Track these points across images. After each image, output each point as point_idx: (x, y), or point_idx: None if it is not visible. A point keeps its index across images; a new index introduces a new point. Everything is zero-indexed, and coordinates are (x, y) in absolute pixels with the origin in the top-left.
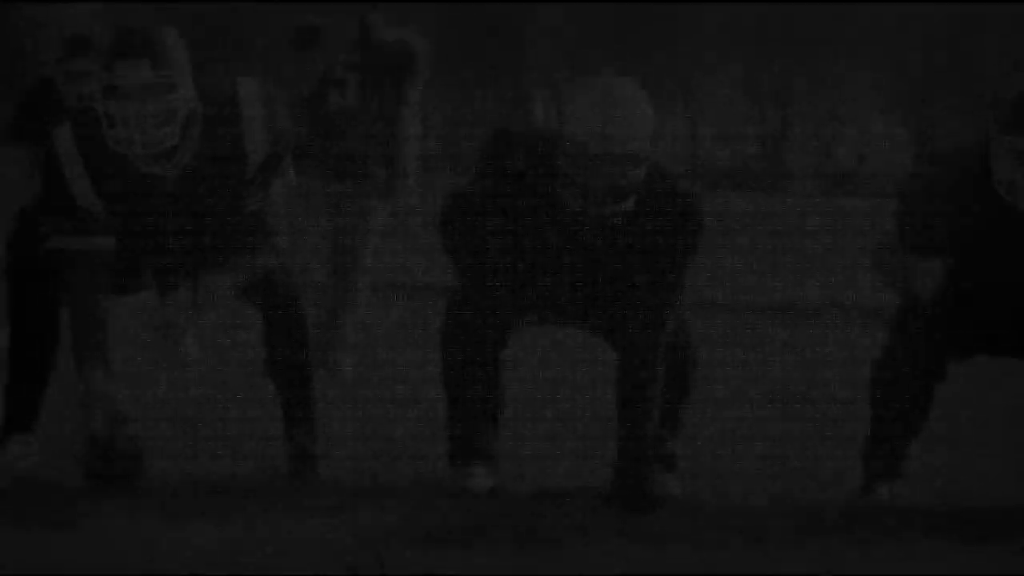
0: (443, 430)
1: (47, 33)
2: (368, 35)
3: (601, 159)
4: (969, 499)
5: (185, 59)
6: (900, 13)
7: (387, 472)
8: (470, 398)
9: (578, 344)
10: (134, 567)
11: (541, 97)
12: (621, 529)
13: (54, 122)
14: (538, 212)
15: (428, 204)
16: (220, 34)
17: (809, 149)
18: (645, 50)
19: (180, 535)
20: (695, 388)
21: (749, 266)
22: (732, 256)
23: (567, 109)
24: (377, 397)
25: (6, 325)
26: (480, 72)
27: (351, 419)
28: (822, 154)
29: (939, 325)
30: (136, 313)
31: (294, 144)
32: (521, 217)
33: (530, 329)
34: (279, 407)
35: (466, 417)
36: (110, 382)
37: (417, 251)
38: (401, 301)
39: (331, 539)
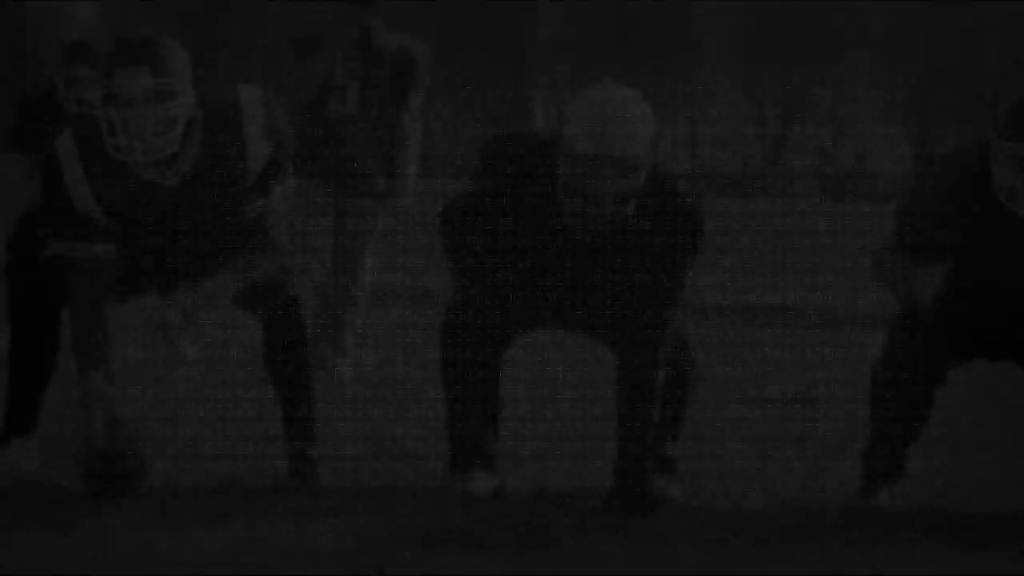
0: (443, 433)
1: (48, 37)
2: (369, 41)
3: (601, 163)
4: (969, 503)
5: (185, 66)
6: (899, 18)
7: (387, 475)
8: (470, 401)
9: (578, 346)
10: (133, 569)
11: (541, 101)
12: (621, 531)
13: (55, 128)
14: (538, 216)
15: (428, 208)
16: (221, 41)
17: (808, 152)
18: (645, 54)
19: (179, 538)
20: (695, 390)
21: (749, 269)
22: (732, 259)
23: (567, 113)
24: (377, 400)
25: (7, 328)
26: (480, 76)
27: (351, 422)
28: (822, 157)
29: (938, 329)
30: (136, 315)
31: (294, 150)
32: (521, 221)
33: (530, 332)
34: (279, 410)
35: (466, 420)
36: (110, 385)
37: (417, 255)
38: (401, 304)
39: (331, 542)
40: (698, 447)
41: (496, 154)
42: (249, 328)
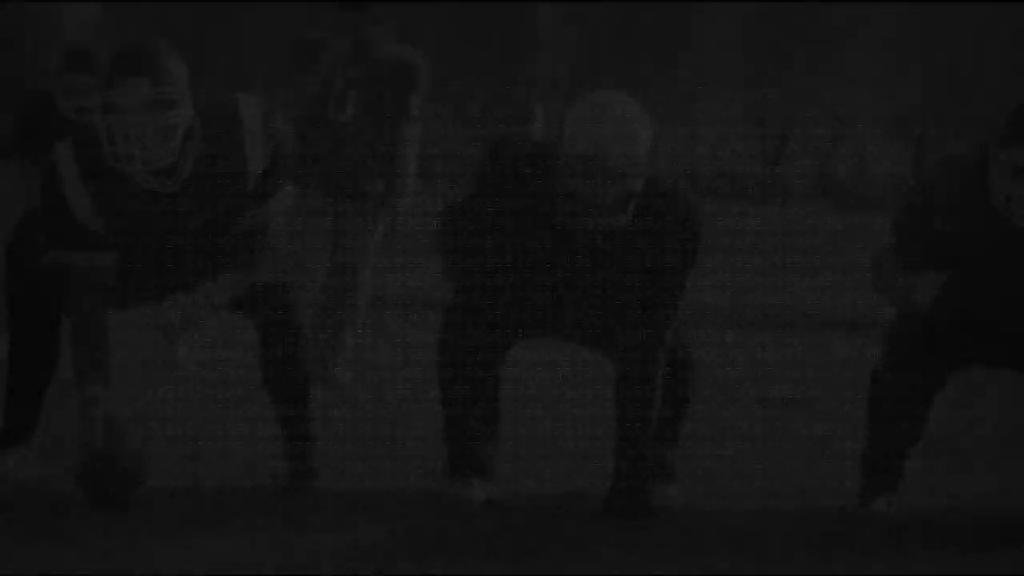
0: (441, 442)
1: (47, 44)
2: (367, 50)
3: (599, 168)
4: (968, 508)
5: (184, 75)
6: (900, 24)
7: (385, 484)
8: (467, 407)
9: (576, 353)
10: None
11: (539, 109)
12: (619, 537)
13: (54, 136)
14: (536, 221)
15: (427, 217)
16: (220, 49)
17: (809, 156)
18: (645, 59)
19: (178, 546)
20: (694, 396)
21: (748, 277)
22: (731, 263)
23: (566, 118)
24: (375, 409)
25: (6, 336)
26: (479, 83)
27: (349, 430)
28: (821, 165)
29: (936, 336)
30: (135, 318)
31: (293, 158)
32: (519, 226)
33: (528, 338)
34: (277, 419)
35: (464, 429)
36: (108, 392)
37: (416, 265)
38: (399, 314)
39: (329, 547)
40: (696, 452)
41: (495, 160)
42: (248, 331)
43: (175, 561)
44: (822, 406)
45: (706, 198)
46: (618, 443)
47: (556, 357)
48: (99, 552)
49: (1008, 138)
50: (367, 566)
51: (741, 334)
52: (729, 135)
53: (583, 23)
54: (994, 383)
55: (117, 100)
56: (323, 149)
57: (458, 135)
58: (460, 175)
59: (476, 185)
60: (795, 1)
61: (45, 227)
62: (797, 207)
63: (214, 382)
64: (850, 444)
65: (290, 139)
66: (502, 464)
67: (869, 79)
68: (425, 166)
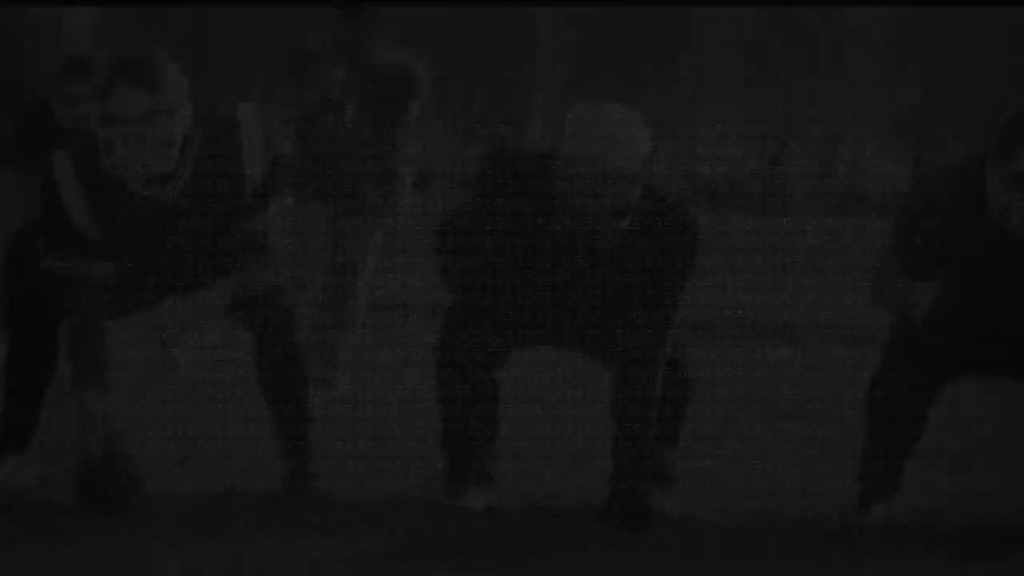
0: (439, 448)
1: (45, 52)
2: (366, 58)
3: (596, 178)
4: (965, 516)
5: (182, 84)
6: (898, 30)
7: (383, 490)
8: (465, 416)
9: (574, 360)
10: None
11: (537, 117)
12: (617, 545)
13: (52, 144)
14: (534, 231)
15: (424, 223)
16: (219, 57)
17: (805, 168)
18: (644, 70)
19: (175, 553)
20: (691, 404)
21: (745, 285)
22: (728, 274)
23: (563, 128)
24: (373, 415)
25: (4, 343)
26: (478, 91)
27: (347, 437)
28: (818, 173)
29: (934, 345)
30: (132, 326)
31: (291, 166)
32: (517, 236)
33: (527, 348)
34: (274, 426)
35: (462, 435)
36: (107, 400)
37: (414, 270)
38: (397, 320)
39: (327, 555)
40: (695, 456)
41: (492, 169)
42: (244, 340)
43: (174, 565)
44: (821, 411)
45: (704, 203)
46: (616, 448)
47: (555, 363)
48: (98, 556)
49: (1006, 147)
50: (366, 571)
51: (739, 340)
52: (729, 135)
53: (583, 25)
54: (992, 388)
55: (116, 109)
56: (321, 155)
57: (457, 140)
58: (458, 179)
59: (474, 191)
60: (793, 4)
61: (43, 234)
62: (796, 213)
63: (213, 386)
64: (849, 449)
65: (288, 146)
66: (501, 469)
67: (869, 83)
68: (424, 171)
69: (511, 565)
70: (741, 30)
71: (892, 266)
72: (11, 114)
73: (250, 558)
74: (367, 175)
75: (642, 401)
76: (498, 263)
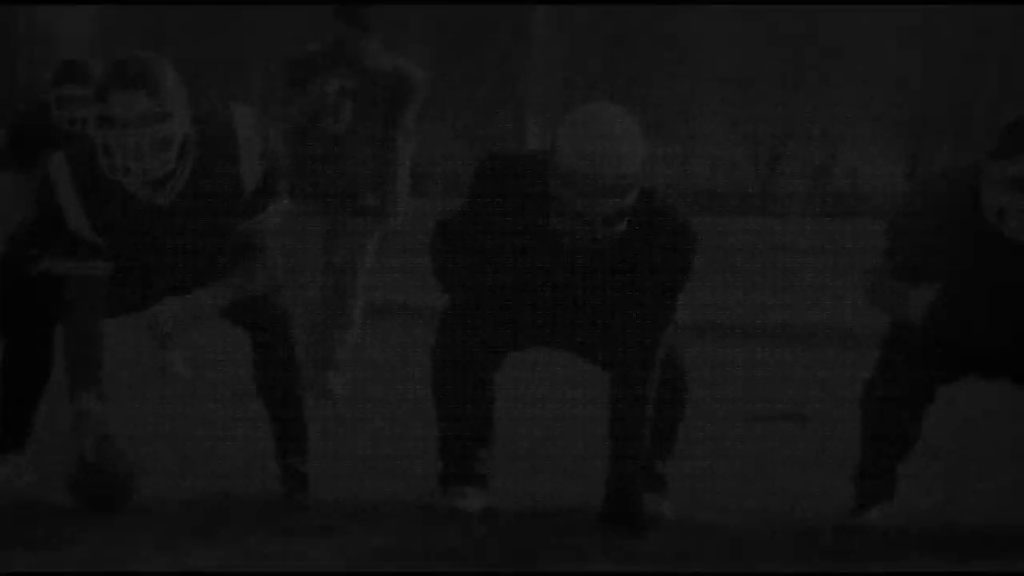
0: (434, 451)
1: (41, 55)
2: (363, 61)
3: (592, 182)
4: (961, 519)
5: (180, 87)
6: (897, 38)
7: (379, 492)
8: (461, 418)
9: (570, 363)
10: None
11: (534, 122)
12: (613, 549)
13: (49, 147)
14: (530, 235)
15: (421, 227)
16: (216, 61)
17: (803, 169)
18: (640, 75)
19: (171, 554)
20: (687, 410)
21: (741, 288)
22: (724, 277)
23: (559, 132)
24: (369, 418)
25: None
26: (476, 97)
27: (343, 440)
28: (815, 177)
29: (930, 348)
30: (128, 329)
31: (288, 169)
32: (513, 240)
33: (522, 350)
34: (270, 427)
35: (457, 438)
36: (102, 403)
37: (410, 273)
38: (394, 323)
39: (322, 558)
40: (691, 462)
41: (489, 173)
42: (240, 342)
43: (167, 569)
44: (816, 416)
45: (700, 207)
46: (611, 454)
47: (551, 366)
48: (93, 561)
49: (1001, 151)
50: (362, 574)
51: (735, 345)
52: (723, 138)
53: (576, 30)
54: (988, 392)
55: (113, 112)
56: (318, 160)
57: (454, 144)
58: (456, 181)
59: (470, 199)
60: (792, 4)
61: (40, 237)
62: (793, 218)
63: (209, 387)
64: (843, 457)
65: (285, 150)
66: (497, 471)
67: (865, 89)
68: (421, 172)
69: (505, 569)
70: (741, 30)
71: (887, 269)
72: (8, 117)
73: (245, 560)
74: (364, 177)
75: (638, 405)
76: (494, 266)
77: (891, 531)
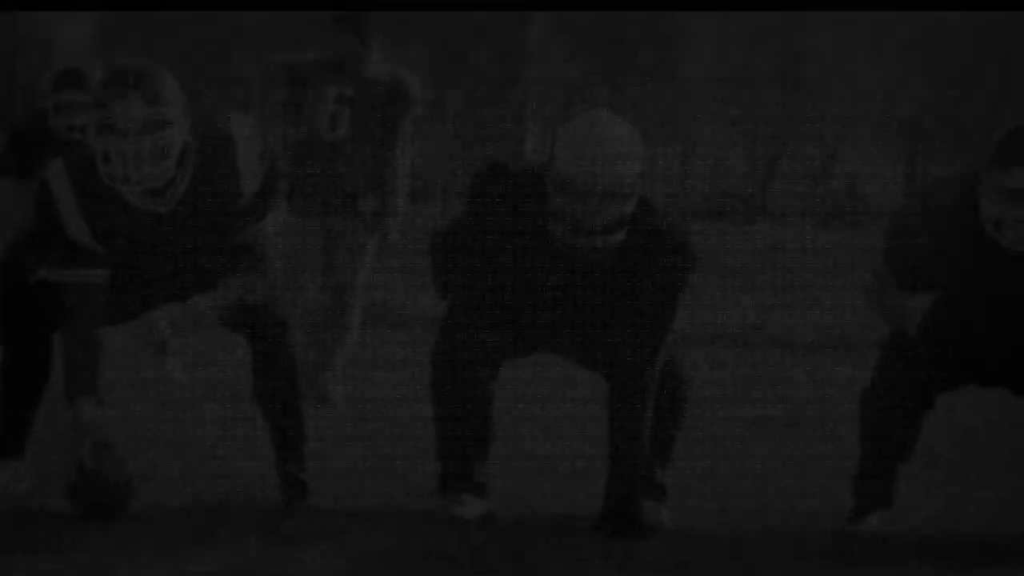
0: (433, 457)
1: (40, 63)
2: (361, 69)
3: (590, 192)
4: (959, 527)
5: (178, 95)
6: (896, 46)
7: (377, 499)
8: (460, 424)
9: (568, 370)
10: None
11: (532, 131)
12: (610, 556)
13: (47, 154)
14: (528, 243)
15: (419, 236)
16: (214, 69)
17: (800, 181)
18: (637, 83)
19: (170, 562)
20: (685, 418)
21: (739, 298)
22: (723, 284)
23: (557, 140)
24: (368, 425)
25: None
26: (472, 103)
27: (342, 446)
28: (813, 186)
29: (927, 356)
30: (126, 335)
31: (286, 176)
32: (511, 248)
33: (520, 357)
34: (269, 434)
35: (456, 445)
36: (100, 410)
37: (408, 282)
38: (392, 331)
39: (321, 564)
40: (689, 470)
41: (487, 181)
42: (239, 348)
43: (167, 574)
44: (814, 424)
45: (699, 210)
46: (609, 460)
47: (551, 366)
48: (92, 567)
49: (998, 161)
50: None
51: (733, 352)
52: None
53: (574, 35)
54: (988, 400)
55: (112, 120)
56: (316, 168)
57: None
58: (454, 189)
59: (468, 206)
60: (790, 10)
61: (39, 244)
62: (790, 225)
63: (208, 395)
64: (841, 464)
65: (283, 157)
66: (495, 478)
67: (864, 94)
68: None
69: (505, 572)
70: (739, 31)
71: (886, 278)
72: (6, 124)
73: (244, 567)
74: (362, 187)
75: (636, 412)
76: (493, 274)
77: (890, 538)
